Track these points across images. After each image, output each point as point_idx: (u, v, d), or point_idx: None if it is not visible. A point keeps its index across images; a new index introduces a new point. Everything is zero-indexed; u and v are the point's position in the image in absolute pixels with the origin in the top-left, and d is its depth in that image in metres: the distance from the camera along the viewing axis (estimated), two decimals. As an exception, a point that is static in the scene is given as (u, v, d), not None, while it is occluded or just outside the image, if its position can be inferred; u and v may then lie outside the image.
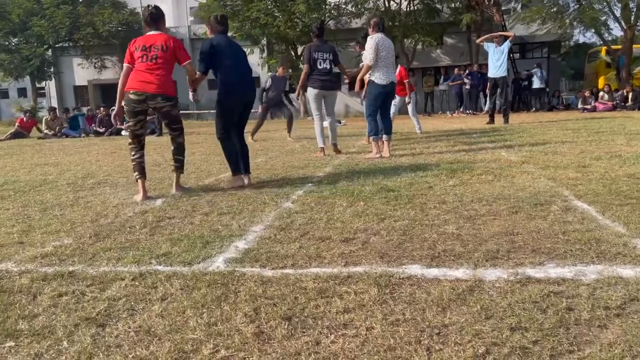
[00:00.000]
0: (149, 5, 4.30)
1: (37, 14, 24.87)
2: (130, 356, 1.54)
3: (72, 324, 1.79)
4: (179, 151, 4.34)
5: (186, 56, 4.19)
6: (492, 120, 11.60)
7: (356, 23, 22.88)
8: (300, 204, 3.66)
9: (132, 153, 4.17)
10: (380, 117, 6.22)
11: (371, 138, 6.32)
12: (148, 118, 14.43)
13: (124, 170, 6.01)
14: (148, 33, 4.15)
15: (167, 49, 4.03)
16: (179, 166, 4.33)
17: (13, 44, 24.85)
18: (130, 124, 4.17)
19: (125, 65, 4.08)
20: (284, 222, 3.14)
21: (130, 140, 4.21)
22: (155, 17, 4.19)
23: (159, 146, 9.47)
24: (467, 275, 2.12)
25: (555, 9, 18.29)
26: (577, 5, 18.32)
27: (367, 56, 5.97)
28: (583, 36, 25.88)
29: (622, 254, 2.28)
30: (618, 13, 18.14)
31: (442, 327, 1.65)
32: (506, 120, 11.32)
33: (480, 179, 4.31)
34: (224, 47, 4.50)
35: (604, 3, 17.90)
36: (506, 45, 10.89)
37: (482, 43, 11.55)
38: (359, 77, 6.27)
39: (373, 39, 5.96)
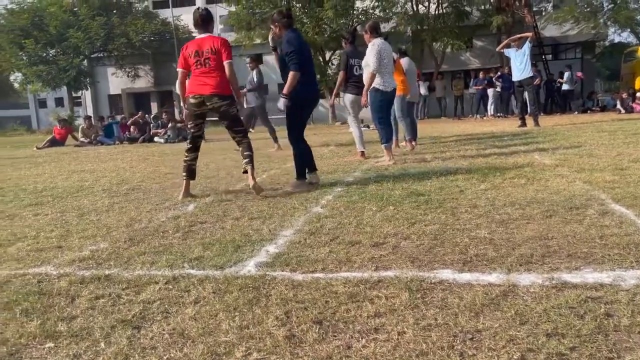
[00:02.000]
0: (198, 8, 4.44)
1: (74, 26, 25.70)
2: (165, 358, 1.57)
3: (109, 325, 1.83)
4: (248, 147, 4.42)
5: (228, 56, 4.24)
6: (523, 123, 11.37)
7: (384, 27, 22.84)
8: (330, 209, 3.66)
9: (186, 154, 4.45)
10: (382, 125, 6.05)
11: (383, 146, 6.09)
12: (180, 125, 14.78)
13: (156, 177, 6.14)
14: (198, 36, 4.29)
15: (216, 51, 4.16)
16: (249, 160, 4.36)
17: (51, 55, 25.72)
18: (190, 126, 4.45)
19: (179, 70, 4.32)
20: (313, 227, 3.15)
21: (187, 142, 4.50)
22: (206, 19, 4.31)
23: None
24: (501, 280, 2.08)
25: (588, 9, 17.83)
26: (612, 5, 17.78)
27: (371, 64, 5.74)
28: (618, 36, 24.95)
29: (663, 259, 2.20)
30: None
31: (475, 332, 1.63)
32: (536, 123, 11.09)
33: (513, 183, 4.23)
34: (303, 44, 4.49)
35: None
36: (526, 46, 10.69)
37: (502, 51, 11.43)
38: (366, 87, 5.89)
39: (375, 45, 5.78)
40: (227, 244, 2.84)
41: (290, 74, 4.34)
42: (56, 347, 1.70)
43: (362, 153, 6.68)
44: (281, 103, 4.49)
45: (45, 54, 25.57)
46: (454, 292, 2.00)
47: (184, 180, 4.43)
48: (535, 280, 2.06)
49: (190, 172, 4.44)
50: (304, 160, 4.64)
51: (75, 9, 26.50)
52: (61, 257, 2.76)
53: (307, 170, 4.70)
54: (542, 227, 2.86)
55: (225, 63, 4.20)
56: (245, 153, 4.39)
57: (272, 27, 4.68)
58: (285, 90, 4.42)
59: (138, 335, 1.75)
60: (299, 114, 4.60)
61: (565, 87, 18.26)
